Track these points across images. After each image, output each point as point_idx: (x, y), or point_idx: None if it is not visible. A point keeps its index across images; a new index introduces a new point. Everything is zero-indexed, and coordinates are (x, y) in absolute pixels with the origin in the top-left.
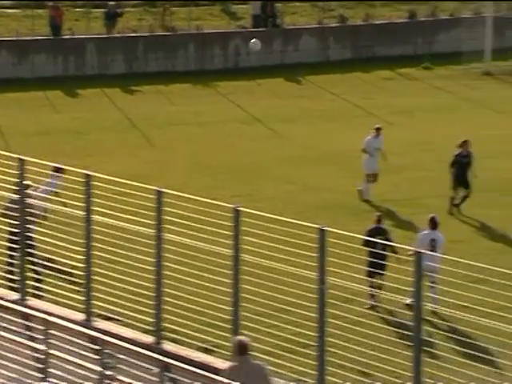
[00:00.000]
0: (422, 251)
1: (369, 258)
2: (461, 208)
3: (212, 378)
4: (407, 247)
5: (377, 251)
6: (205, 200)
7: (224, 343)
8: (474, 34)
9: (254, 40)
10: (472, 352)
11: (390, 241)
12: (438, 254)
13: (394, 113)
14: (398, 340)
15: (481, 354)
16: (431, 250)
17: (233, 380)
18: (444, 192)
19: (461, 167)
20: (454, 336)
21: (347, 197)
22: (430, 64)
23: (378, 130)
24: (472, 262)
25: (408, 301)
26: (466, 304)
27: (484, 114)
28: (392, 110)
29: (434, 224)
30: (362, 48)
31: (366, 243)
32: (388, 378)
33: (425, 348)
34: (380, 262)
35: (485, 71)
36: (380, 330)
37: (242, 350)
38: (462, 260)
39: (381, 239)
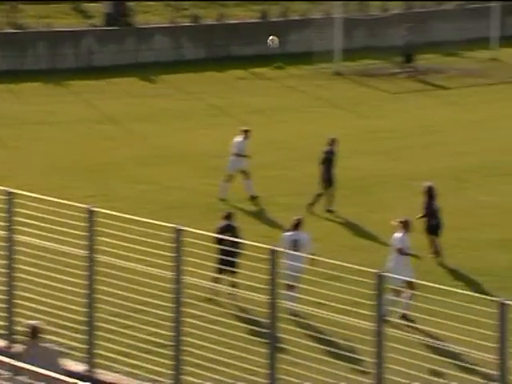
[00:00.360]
0: (280, 249)
1: (218, 256)
2: (312, 207)
3: (65, 381)
4: (260, 245)
5: (226, 248)
6: (58, 200)
7: (79, 345)
8: (324, 35)
9: (271, 38)
10: (329, 349)
11: (240, 238)
12: (300, 254)
13: (249, 112)
14: (254, 338)
15: (338, 351)
16: (294, 251)
17: (27, 362)
18: (299, 190)
19: (328, 165)
20: (312, 333)
21: (202, 196)
22: (283, 64)
23: (246, 132)
24: (328, 260)
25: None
26: (322, 301)
27: (335, 114)
28: (246, 109)
29: (295, 225)
30: (215, 47)
31: (217, 241)
32: (245, 377)
33: (281, 345)
34: (230, 259)
35: (335, 71)
36: (237, 329)
37: (34, 333)
38: (320, 258)
39: (230, 236)
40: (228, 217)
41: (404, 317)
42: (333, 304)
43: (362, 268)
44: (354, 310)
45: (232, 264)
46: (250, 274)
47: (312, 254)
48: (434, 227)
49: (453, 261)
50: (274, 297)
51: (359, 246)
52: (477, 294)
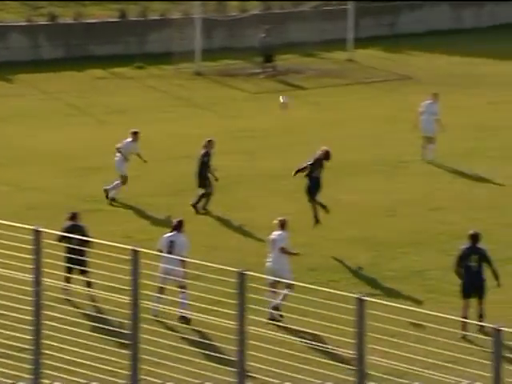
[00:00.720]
0: (141, 250)
1: (66, 256)
2: (206, 206)
3: None
4: (122, 246)
5: (73, 248)
6: None
7: None
8: (183, 35)
9: (283, 98)
10: (194, 349)
11: (88, 237)
12: (172, 256)
13: (109, 112)
14: (114, 339)
15: (203, 351)
16: (169, 252)
17: None
18: (160, 190)
19: (203, 166)
20: (174, 333)
21: (62, 196)
22: (143, 63)
23: (134, 133)
24: (193, 260)
25: None
26: (189, 302)
27: (196, 113)
28: (106, 109)
29: (175, 226)
30: (74, 47)
31: (63, 241)
32: (106, 378)
33: (143, 346)
34: (78, 258)
35: (195, 71)
36: (97, 330)
37: None
38: (187, 259)
39: (78, 235)
40: (73, 217)
41: (272, 317)
42: (197, 304)
43: (225, 267)
44: (221, 309)
45: (81, 263)
46: (111, 274)
47: (186, 257)
48: (314, 190)
49: (313, 259)
50: (136, 297)
51: (221, 245)
52: (336, 291)
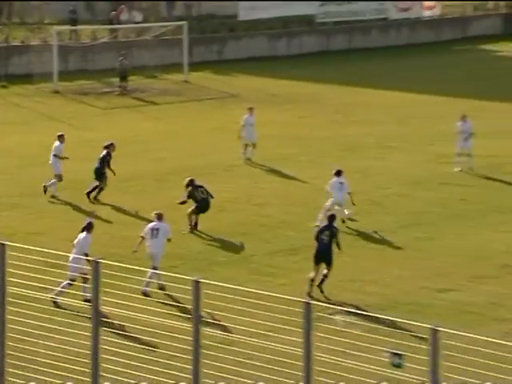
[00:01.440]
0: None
1: None
2: (98, 197)
3: None
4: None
5: None
6: None
7: None
8: (43, 59)
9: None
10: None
11: None
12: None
13: None
14: None
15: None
16: (76, 248)
17: None
18: (23, 191)
19: (103, 163)
20: (43, 315)
21: None
22: (6, 83)
23: (60, 136)
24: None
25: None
26: (46, 286)
27: (54, 126)
28: None
29: (84, 227)
30: None
31: None
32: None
33: (9, 325)
34: None
35: (54, 90)
36: None
37: None
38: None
39: None
40: None
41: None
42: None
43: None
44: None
45: None
46: None
47: (86, 255)
48: (203, 208)
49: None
50: (3, 285)
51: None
52: (177, 275)
